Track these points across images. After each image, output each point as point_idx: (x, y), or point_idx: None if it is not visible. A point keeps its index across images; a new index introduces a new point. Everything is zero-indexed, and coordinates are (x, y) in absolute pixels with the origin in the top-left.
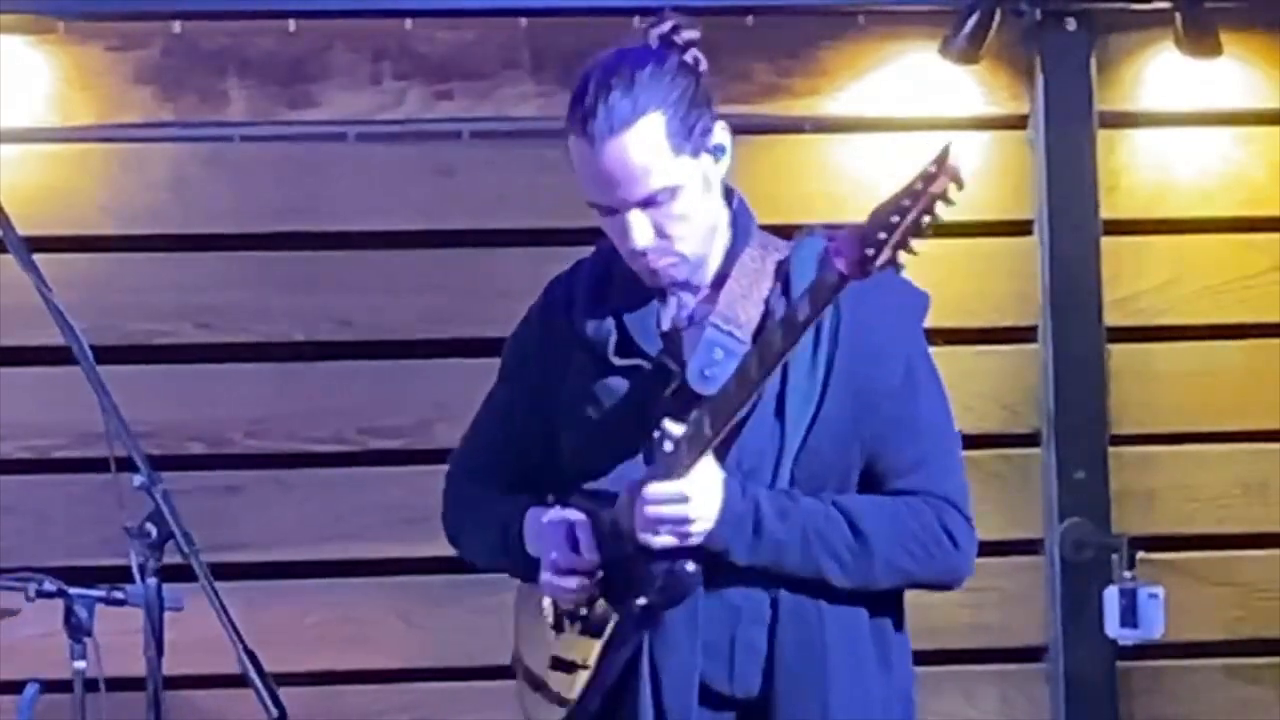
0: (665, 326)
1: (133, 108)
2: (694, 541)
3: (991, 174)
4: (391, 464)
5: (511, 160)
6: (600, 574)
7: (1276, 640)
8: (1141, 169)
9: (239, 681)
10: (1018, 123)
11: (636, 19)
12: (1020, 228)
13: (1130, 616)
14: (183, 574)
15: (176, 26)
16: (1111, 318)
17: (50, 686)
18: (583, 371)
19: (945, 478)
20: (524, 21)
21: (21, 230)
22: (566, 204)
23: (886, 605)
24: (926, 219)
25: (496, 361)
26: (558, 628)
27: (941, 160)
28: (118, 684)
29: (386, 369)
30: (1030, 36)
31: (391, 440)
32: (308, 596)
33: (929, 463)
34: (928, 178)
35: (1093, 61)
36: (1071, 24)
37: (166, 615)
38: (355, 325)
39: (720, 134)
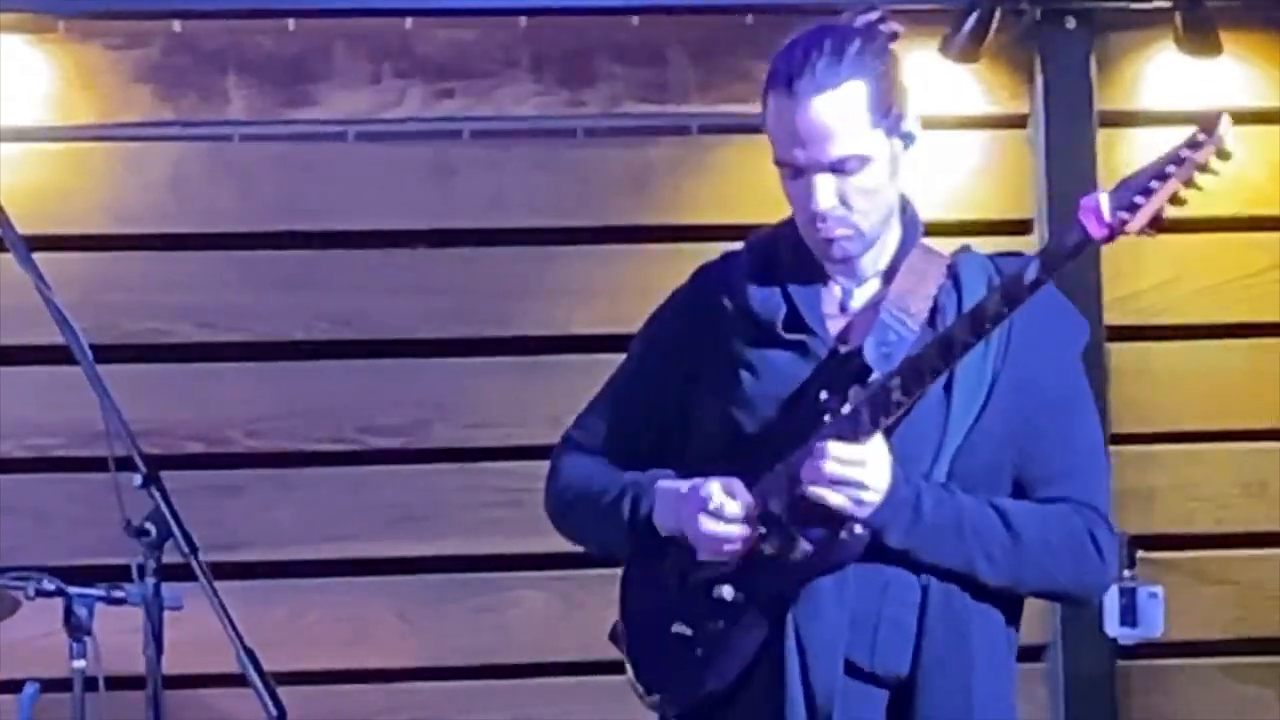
0: (829, 310)
1: (133, 107)
2: (863, 512)
3: (991, 173)
4: (391, 463)
5: (511, 160)
6: (761, 528)
7: (1276, 639)
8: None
9: (239, 681)
10: (1018, 121)
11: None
12: (1020, 226)
13: (1130, 615)
14: (182, 573)
15: (176, 25)
16: (1111, 316)
17: (50, 686)
18: (743, 343)
19: (1093, 489)
20: (524, 21)
21: (21, 229)
22: (566, 203)
23: (1014, 613)
24: (1186, 189)
25: (497, 360)
26: (697, 589)
27: (1211, 128)
28: (117, 683)
29: (386, 368)
30: (1030, 35)
31: (391, 439)
32: (307, 596)
33: (1079, 474)
34: (1194, 145)
35: (1092, 60)
36: (1071, 23)
37: (166, 614)
38: (355, 324)
39: (913, 124)
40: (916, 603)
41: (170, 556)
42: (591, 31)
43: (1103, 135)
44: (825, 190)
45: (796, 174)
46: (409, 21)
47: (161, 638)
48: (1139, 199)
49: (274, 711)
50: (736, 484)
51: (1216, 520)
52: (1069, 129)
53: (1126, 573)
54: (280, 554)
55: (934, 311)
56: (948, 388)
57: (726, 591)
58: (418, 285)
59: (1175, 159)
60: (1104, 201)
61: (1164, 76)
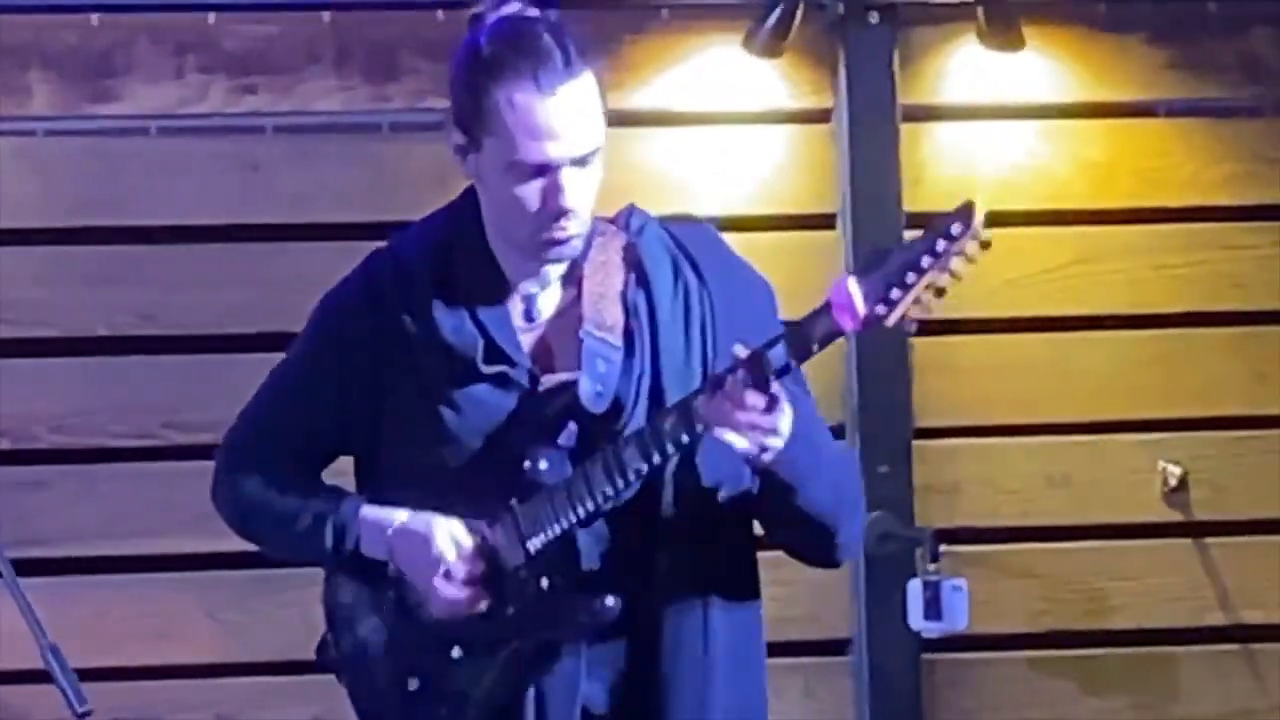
0: (518, 323)
1: None
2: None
3: (795, 168)
4: (196, 459)
5: (315, 155)
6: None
7: (1079, 633)
8: (944, 162)
9: (43, 677)
10: (821, 116)
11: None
12: (824, 221)
13: (934, 609)
14: None
15: None
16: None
17: None
18: (440, 380)
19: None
20: (327, 16)
21: None
22: (372, 198)
23: (758, 599)
24: (946, 279)
25: None
26: (428, 642)
27: (967, 217)
28: None
29: (191, 364)
30: (833, 30)
31: (197, 435)
32: (112, 592)
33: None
34: (949, 236)
35: (896, 55)
36: (874, 17)
37: None
38: (159, 320)
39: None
40: (647, 637)
41: None
42: (396, 26)
43: (906, 129)
44: (574, 185)
45: (536, 173)
46: (212, 17)
47: None
48: (895, 293)
49: (79, 708)
50: (461, 535)
51: (1020, 513)
52: (872, 123)
53: (930, 566)
54: (85, 550)
55: (627, 314)
56: (655, 387)
57: (461, 651)
58: (223, 280)
59: (930, 250)
60: (855, 292)
61: (967, 71)
